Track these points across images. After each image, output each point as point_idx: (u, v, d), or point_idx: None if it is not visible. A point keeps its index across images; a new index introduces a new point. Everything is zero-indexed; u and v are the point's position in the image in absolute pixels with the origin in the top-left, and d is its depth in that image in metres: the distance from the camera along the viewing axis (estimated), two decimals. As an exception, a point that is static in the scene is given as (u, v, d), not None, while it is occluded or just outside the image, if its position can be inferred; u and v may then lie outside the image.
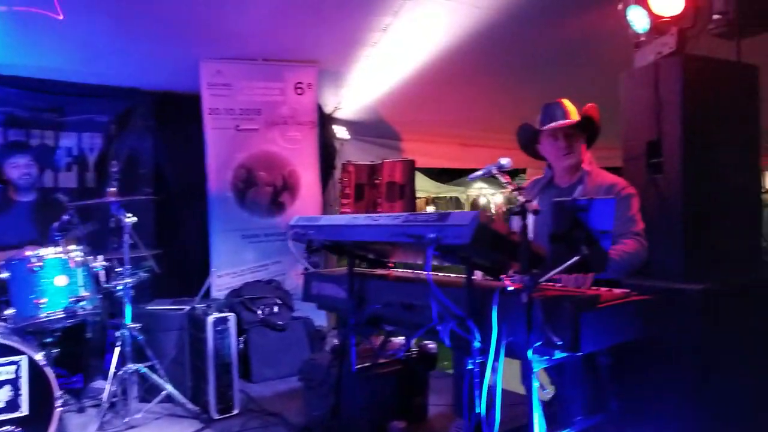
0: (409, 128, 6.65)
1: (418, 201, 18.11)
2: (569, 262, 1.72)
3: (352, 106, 5.93)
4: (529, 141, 2.75)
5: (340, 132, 6.00)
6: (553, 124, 2.62)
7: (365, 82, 5.50)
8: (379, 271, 2.65)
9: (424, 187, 15.45)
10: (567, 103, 2.54)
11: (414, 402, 3.14)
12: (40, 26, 4.04)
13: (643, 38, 3.39)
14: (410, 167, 5.17)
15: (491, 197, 22.60)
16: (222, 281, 4.93)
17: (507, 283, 1.77)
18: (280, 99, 5.08)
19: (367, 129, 6.30)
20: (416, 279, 2.32)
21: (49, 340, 3.43)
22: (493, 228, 1.79)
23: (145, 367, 3.51)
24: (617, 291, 1.92)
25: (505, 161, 2.31)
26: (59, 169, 4.79)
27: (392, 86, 5.55)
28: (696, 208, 2.88)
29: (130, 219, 3.41)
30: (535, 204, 1.79)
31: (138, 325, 3.49)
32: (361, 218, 2.28)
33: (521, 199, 1.80)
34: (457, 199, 23.47)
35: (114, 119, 4.97)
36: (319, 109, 5.58)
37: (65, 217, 3.32)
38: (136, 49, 4.55)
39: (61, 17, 3.86)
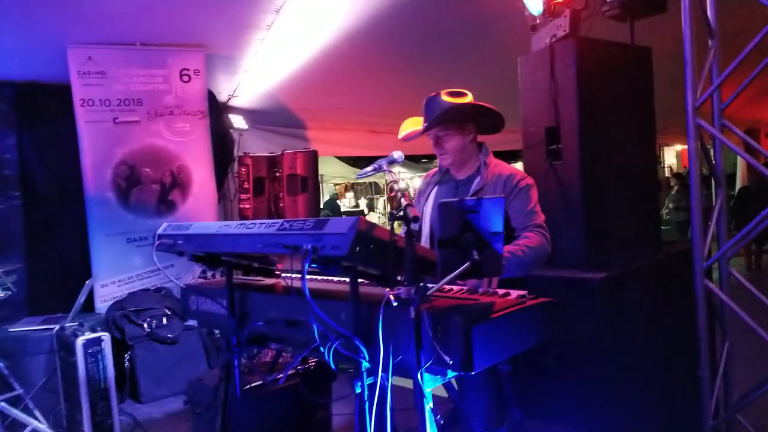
0: (314, 116, 6.36)
1: (337, 187, 17.82)
2: (459, 270, 1.52)
3: (249, 94, 5.56)
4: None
5: (237, 121, 5.61)
6: (407, 133, 2.45)
7: (262, 68, 5.15)
8: (265, 282, 2.38)
9: (343, 173, 15.19)
10: (445, 97, 2.34)
11: (316, 416, 2.91)
12: None
13: (538, 21, 3.29)
14: (313, 158, 4.89)
15: (410, 181, 22.66)
16: (106, 291, 4.47)
17: (392, 296, 1.55)
18: (163, 87, 4.64)
19: (269, 117, 5.95)
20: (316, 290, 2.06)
21: None
22: (375, 235, 1.56)
23: (7, 399, 3.05)
24: (514, 295, 1.76)
25: (397, 155, 2.11)
26: None
27: (292, 72, 5.25)
28: (594, 194, 2.82)
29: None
30: (414, 210, 1.58)
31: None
32: (234, 226, 1.99)
33: (403, 202, 1.59)
34: (376, 184, 23.38)
35: (-34, 114, 4.34)
36: (212, 97, 5.18)
37: None
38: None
39: None
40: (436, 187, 2.57)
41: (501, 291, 1.83)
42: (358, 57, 5.17)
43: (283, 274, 2.32)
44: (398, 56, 5.29)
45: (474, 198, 1.53)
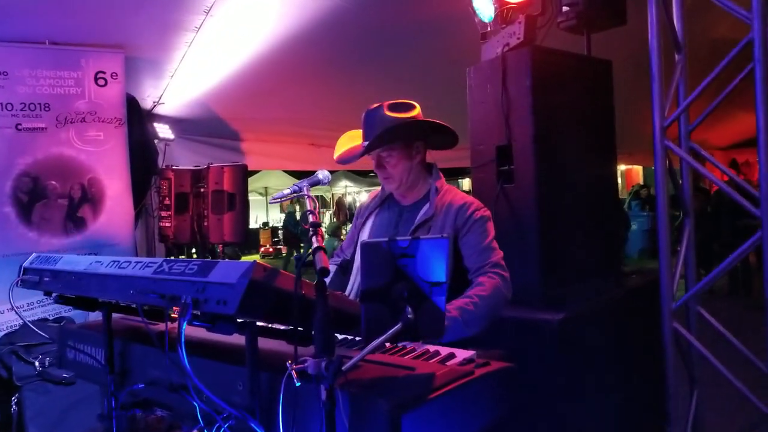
0: (249, 127, 5.92)
1: (283, 203, 17.18)
2: (387, 335, 1.15)
3: (177, 101, 5.07)
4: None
5: (163, 131, 5.10)
6: (343, 152, 2.10)
7: (191, 73, 4.69)
8: (156, 327, 1.94)
9: (287, 185, 14.63)
10: (389, 111, 1.98)
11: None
12: None
13: (489, 28, 3.00)
14: (242, 173, 4.43)
15: (357, 195, 22.17)
16: (2, 319, 3.89)
17: (294, 371, 1.14)
18: (75, 91, 4.11)
19: (198, 127, 5.47)
20: (210, 344, 1.63)
21: None
22: (276, 285, 1.17)
23: None
24: (459, 357, 1.40)
25: (322, 175, 1.74)
26: None
27: (225, 78, 4.81)
28: (550, 220, 2.52)
29: None
30: (324, 258, 1.19)
31: None
32: (105, 263, 1.55)
33: (314, 242, 1.21)
34: (322, 198, 22.86)
35: None
36: (135, 104, 4.67)
37: None
38: None
39: None
40: (375, 214, 2.20)
41: (442, 350, 1.46)
42: (298, 64, 4.80)
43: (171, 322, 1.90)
44: (340, 64, 4.95)
45: (408, 238, 1.15)
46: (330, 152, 6.69)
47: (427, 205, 2.02)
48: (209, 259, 1.28)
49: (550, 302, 2.38)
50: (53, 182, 4.07)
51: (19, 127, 3.97)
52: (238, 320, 1.28)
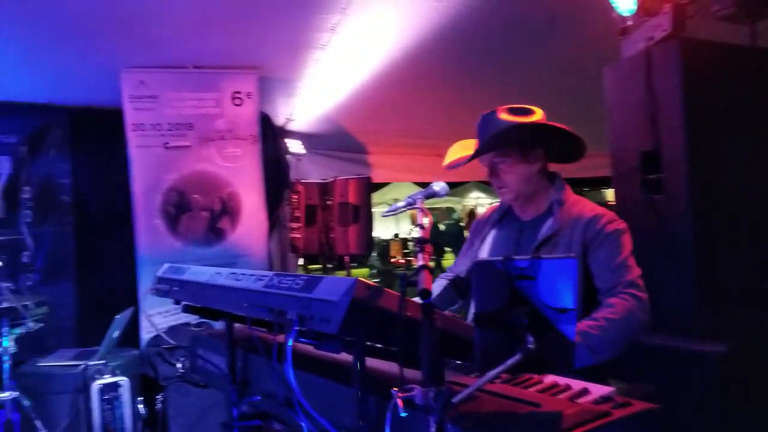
0: (375, 139, 5.97)
1: (411, 212, 17.26)
2: (505, 365, 1.01)
3: (306, 117, 5.25)
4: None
5: (295, 146, 5.31)
6: (453, 160, 1.94)
7: (318, 90, 4.83)
8: (277, 339, 1.94)
9: (416, 197, 14.67)
10: (504, 115, 1.82)
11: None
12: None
13: (630, 22, 2.71)
14: (365, 185, 4.46)
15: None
16: (153, 322, 4.21)
17: (400, 400, 1.04)
18: (215, 111, 4.39)
19: (326, 141, 5.62)
20: (322, 360, 1.58)
21: None
22: (380, 305, 1.08)
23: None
24: (594, 393, 1.21)
25: (438, 187, 1.62)
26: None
27: (350, 93, 4.90)
28: (708, 236, 2.19)
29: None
30: (428, 278, 1.07)
31: (8, 393, 2.78)
32: (224, 275, 1.57)
33: (419, 260, 1.10)
34: (452, 210, 22.60)
35: (24, 140, 4.29)
36: (268, 121, 4.91)
37: None
38: (49, 60, 3.92)
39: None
40: (494, 231, 2.04)
41: (575, 384, 1.28)
42: (421, 75, 4.75)
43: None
44: (464, 73, 4.82)
45: (527, 258, 1.01)
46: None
47: (551, 220, 1.82)
48: (314, 275, 1.23)
49: (705, 332, 2.06)
50: (196, 196, 4.37)
51: (167, 145, 4.32)
52: (346, 338, 1.21)
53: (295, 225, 4.73)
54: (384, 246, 17.25)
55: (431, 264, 1.14)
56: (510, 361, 1.01)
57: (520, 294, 1.02)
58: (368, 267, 14.33)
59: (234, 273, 1.57)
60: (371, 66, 4.53)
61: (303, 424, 1.25)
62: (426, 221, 1.39)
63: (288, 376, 1.23)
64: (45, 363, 3.33)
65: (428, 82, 4.89)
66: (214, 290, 1.56)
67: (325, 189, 4.68)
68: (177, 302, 1.92)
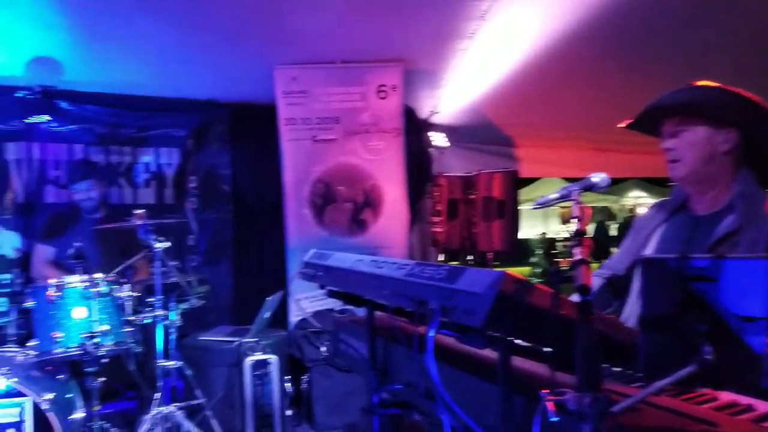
0: (523, 132, 5.75)
1: (562, 211, 16.46)
2: (677, 376, 0.89)
3: (451, 109, 5.19)
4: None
5: (438, 139, 5.29)
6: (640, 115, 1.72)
7: (464, 81, 4.75)
8: (418, 329, 1.92)
9: (568, 196, 13.75)
10: (697, 83, 1.61)
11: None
12: (117, 41, 3.88)
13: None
14: (512, 180, 4.31)
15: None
16: (299, 306, 4.45)
17: (550, 402, 0.96)
18: (360, 105, 4.51)
19: (471, 134, 5.53)
20: (465, 354, 1.53)
21: (92, 369, 3.15)
22: (528, 301, 1.01)
23: (187, 407, 3.10)
24: (761, 409, 1.03)
25: (598, 178, 1.49)
26: (138, 185, 4.63)
27: (498, 83, 4.75)
28: None
29: (160, 244, 2.99)
30: (588, 274, 0.97)
31: (174, 362, 3.08)
32: (366, 262, 1.58)
33: (575, 254, 1.00)
34: (608, 210, 21.11)
35: (191, 133, 4.74)
36: (412, 114, 4.94)
37: (77, 244, 3.00)
38: (210, 60, 4.27)
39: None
40: (664, 225, 1.83)
41: (760, 406, 1.10)
42: (579, 61, 4.46)
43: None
44: (629, 59, 4.45)
45: (708, 257, 0.88)
46: (617, 157, 6.09)
47: (732, 215, 1.59)
48: (458, 265, 1.18)
49: None
50: (341, 188, 4.53)
51: (315, 139, 4.51)
52: (490, 333, 1.15)
53: (436, 219, 4.73)
54: (548, 243, 16.34)
55: (589, 259, 1.04)
56: (682, 372, 0.89)
57: (697, 297, 0.89)
58: (530, 266, 13.80)
59: (375, 260, 1.57)
60: (522, 53, 4.35)
61: (443, 417, 1.21)
62: (582, 214, 1.28)
63: (429, 367, 1.20)
64: (205, 337, 3.64)
65: (586, 68, 4.58)
66: (356, 276, 1.58)
67: (468, 183, 4.62)
68: (321, 287, 1.97)
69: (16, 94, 4.14)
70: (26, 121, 4.23)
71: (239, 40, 4.09)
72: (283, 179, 4.50)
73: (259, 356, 3.04)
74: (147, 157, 4.65)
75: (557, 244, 15.28)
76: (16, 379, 2.55)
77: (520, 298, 1.00)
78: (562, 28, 4.04)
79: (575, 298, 1.00)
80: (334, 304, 4.23)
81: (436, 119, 5.29)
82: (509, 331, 1.04)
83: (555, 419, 0.94)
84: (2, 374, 2.54)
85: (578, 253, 1.05)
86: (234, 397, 3.36)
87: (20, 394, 2.54)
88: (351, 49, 4.43)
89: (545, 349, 1.18)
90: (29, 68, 4.04)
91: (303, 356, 3.75)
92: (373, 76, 4.49)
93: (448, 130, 5.35)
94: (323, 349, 3.68)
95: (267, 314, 3.55)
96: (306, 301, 4.49)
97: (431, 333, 1.17)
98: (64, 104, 4.37)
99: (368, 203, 4.52)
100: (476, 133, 5.47)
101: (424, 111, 5.20)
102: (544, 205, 1.50)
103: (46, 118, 4.29)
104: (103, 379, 3.20)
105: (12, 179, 4.22)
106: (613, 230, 15.51)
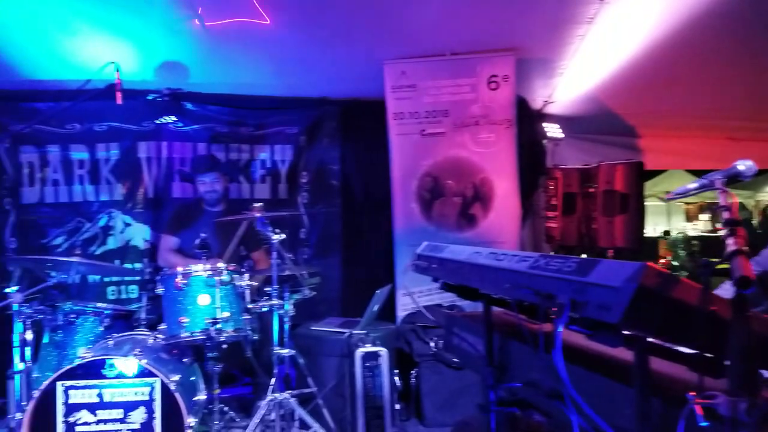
0: (647, 121, 5.36)
1: (688, 207, 15.22)
2: None
3: (566, 99, 4.95)
4: None
5: (552, 130, 5.06)
6: None
7: (582, 68, 4.51)
8: (536, 327, 1.83)
9: (697, 189, 12.57)
10: None
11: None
12: (237, 43, 4.08)
13: None
14: (636, 172, 4.01)
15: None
16: (407, 300, 4.46)
17: (697, 406, 0.85)
18: (470, 97, 4.41)
19: (588, 124, 5.24)
20: (592, 353, 1.44)
21: (213, 354, 3.34)
22: (673, 296, 0.90)
23: (299, 395, 3.19)
24: None
25: (744, 167, 1.33)
26: (254, 181, 4.84)
27: (619, 69, 4.45)
28: None
29: (277, 236, 3.10)
30: (746, 264, 0.84)
31: (288, 350, 3.18)
32: (484, 254, 1.51)
33: (730, 245, 0.88)
34: (741, 205, 19.13)
35: (303, 130, 4.88)
36: (524, 104, 4.77)
37: (203, 235, 3.16)
38: (322, 58, 4.38)
39: (268, 22, 3.78)
40: None
41: None
42: (706, 46, 4.08)
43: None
44: (764, 42, 4.00)
45: None
46: (755, 146, 5.49)
47: None
48: (589, 258, 1.09)
49: None
50: (450, 181, 4.46)
51: (424, 132, 4.47)
52: (625, 332, 1.04)
53: (551, 214, 4.52)
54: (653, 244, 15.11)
55: (745, 249, 0.91)
56: None
57: None
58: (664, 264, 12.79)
59: (494, 253, 1.51)
60: (645, 37, 4.04)
61: (572, 418, 1.12)
62: (730, 203, 1.14)
63: (558, 365, 1.12)
64: (317, 328, 3.73)
65: (721, 51, 4.18)
66: (473, 269, 1.52)
67: (586, 175, 4.37)
68: (435, 279, 1.94)
69: (148, 97, 4.46)
70: (156, 121, 4.56)
71: (351, 37, 4.16)
72: (391, 173, 4.51)
73: (369, 348, 3.06)
74: (263, 154, 4.85)
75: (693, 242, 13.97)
76: (147, 360, 2.74)
77: (663, 293, 0.89)
78: (688, 8, 3.71)
79: (724, 292, 0.89)
80: (442, 299, 4.25)
81: (550, 109, 5.07)
82: (649, 329, 0.94)
83: (704, 424, 0.83)
84: (135, 355, 2.74)
85: (733, 244, 0.92)
86: (344, 387, 3.41)
87: (150, 375, 2.72)
88: (460, 41, 4.35)
89: (688, 350, 1.06)
90: (158, 72, 4.35)
91: (411, 351, 3.74)
92: (484, 66, 4.37)
93: (563, 120, 5.11)
94: (432, 344, 3.63)
95: (376, 307, 3.57)
96: (414, 296, 4.49)
97: (560, 329, 1.09)
98: (189, 105, 4.66)
99: (478, 197, 4.41)
100: (594, 123, 5.17)
101: (537, 101, 5.00)
102: (682, 195, 1.37)
103: (173, 118, 4.59)
104: (222, 364, 3.39)
105: (143, 176, 4.57)
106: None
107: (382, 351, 3.05)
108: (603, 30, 4.00)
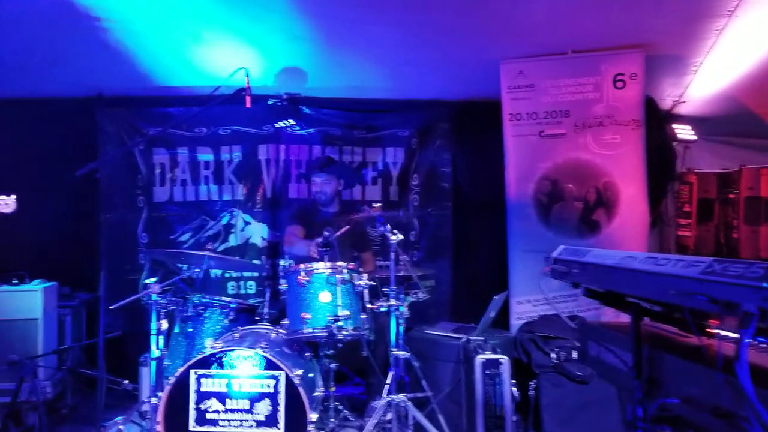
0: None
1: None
2: None
3: (700, 98, 4.58)
4: None
5: (683, 132, 4.70)
6: None
7: (719, 65, 4.16)
8: (689, 340, 1.65)
9: None
10: None
11: None
12: (352, 48, 4.17)
13: None
14: (784, 176, 3.61)
15: None
16: (521, 309, 4.31)
17: None
18: (593, 96, 4.19)
19: (723, 126, 4.81)
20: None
21: (329, 352, 3.39)
22: None
23: (413, 398, 3.15)
24: None
25: None
26: (366, 183, 4.89)
27: (759, 65, 4.06)
28: None
29: (395, 236, 3.08)
30: None
31: (404, 352, 3.15)
32: (640, 259, 1.38)
33: None
34: None
35: (415, 132, 4.87)
36: (652, 104, 4.46)
37: (325, 233, 3.20)
38: (436, 60, 4.36)
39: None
40: None
41: None
42: None
43: (721, 333, 1.54)
44: None
45: None
46: None
47: None
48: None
49: None
50: (570, 185, 4.25)
51: (542, 134, 4.30)
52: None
53: (683, 221, 4.18)
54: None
55: None
56: None
57: None
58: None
59: (653, 257, 1.37)
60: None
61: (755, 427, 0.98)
62: None
63: (744, 381, 0.98)
64: (431, 331, 3.67)
65: None
66: (627, 274, 1.40)
67: (726, 180, 4.00)
68: (575, 285, 1.82)
69: (268, 102, 4.63)
70: (275, 125, 4.73)
71: (465, 38, 4.09)
72: (506, 176, 4.38)
73: (490, 355, 2.95)
74: (375, 157, 4.88)
75: None
76: (272, 354, 2.81)
77: None
78: None
79: None
80: (562, 309, 4.05)
81: (680, 110, 4.71)
82: None
83: None
84: (261, 348, 2.82)
85: None
86: (459, 394, 3.33)
87: (276, 368, 2.78)
88: (583, 38, 4.15)
89: None
90: (278, 78, 4.51)
91: (530, 361, 3.57)
92: (609, 64, 4.14)
93: (696, 121, 4.73)
94: (554, 355, 3.46)
95: (493, 313, 3.46)
96: (528, 305, 4.32)
97: (746, 340, 0.96)
98: (305, 109, 4.79)
99: (601, 202, 4.18)
100: (730, 124, 4.74)
101: (666, 101, 4.68)
102: None
103: (291, 122, 4.75)
104: (336, 363, 3.42)
105: (263, 177, 4.75)
106: None
107: (504, 359, 2.94)
108: (744, 23, 3.67)
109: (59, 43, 3.96)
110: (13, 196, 2.79)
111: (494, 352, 3.04)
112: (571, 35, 4.13)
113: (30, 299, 3.69)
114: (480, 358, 2.92)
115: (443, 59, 4.32)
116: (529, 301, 4.30)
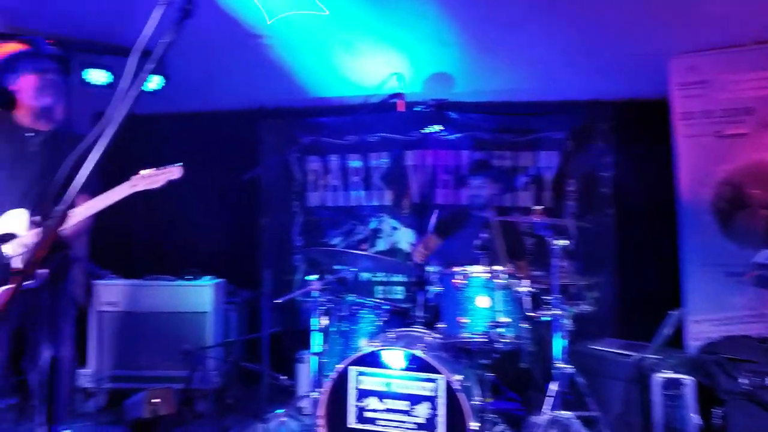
0: None
1: None
2: None
3: None
4: None
5: None
6: None
7: None
8: None
9: None
10: None
11: None
12: (503, 51, 4.07)
13: None
14: None
15: None
16: (699, 329, 3.86)
17: None
18: (782, 91, 3.69)
19: None
20: None
21: (484, 362, 3.23)
22: None
23: (579, 417, 2.90)
24: None
25: None
26: (517, 188, 4.70)
27: None
28: None
29: (559, 242, 2.87)
30: None
31: (569, 366, 2.92)
32: None
33: None
34: None
35: (570, 135, 4.61)
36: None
37: (483, 235, 3.05)
38: (596, 59, 4.10)
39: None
40: None
41: None
42: None
43: None
44: None
45: None
46: None
47: None
48: None
49: None
50: (756, 191, 3.76)
51: (720, 134, 3.88)
52: None
53: None
54: None
55: None
56: None
57: None
58: None
59: None
60: None
61: None
62: None
63: None
64: (597, 347, 3.39)
65: None
66: None
67: None
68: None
69: (415, 108, 4.64)
70: (422, 131, 4.72)
71: (630, 34, 3.81)
72: (678, 181, 3.98)
73: (671, 375, 2.64)
74: (526, 161, 4.69)
75: None
76: (430, 357, 2.71)
77: None
78: None
79: None
80: (749, 330, 3.56)
81: None
82: None
83: None
84: (420, 349, 2.74)
85: None
86: (631, 415, 3.02)
87: (434, 371, 2.68)
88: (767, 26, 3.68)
89: None
90: (426, 84, 4.50)
91: (715, 385, 3.16)
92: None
93: None
94: (745, 380, 3.03)
95: (668, 331, 3.12)
96: (707, 324, 3.86)
97: None
98: (452, 114, 4.74)
99: (796, 209, 3.64)
100: None
101: None
102: None
103: (438, 128, 4.71)
104: (493, 374, 3.25)
105: (410, 182, 4.75)
106: None
107: (688, 379, 2.61)
108: None
109: (226, 60, 4.25)
110: (179, 164, 2.81)
111: (676, 371, 2.71)
112: (753, 24, 3.69)
113: (202, 294, 3.97)
114: (659, 377, 2.62)
115: (607, 58, 4.05)
116: (708, 320, 3.85)
